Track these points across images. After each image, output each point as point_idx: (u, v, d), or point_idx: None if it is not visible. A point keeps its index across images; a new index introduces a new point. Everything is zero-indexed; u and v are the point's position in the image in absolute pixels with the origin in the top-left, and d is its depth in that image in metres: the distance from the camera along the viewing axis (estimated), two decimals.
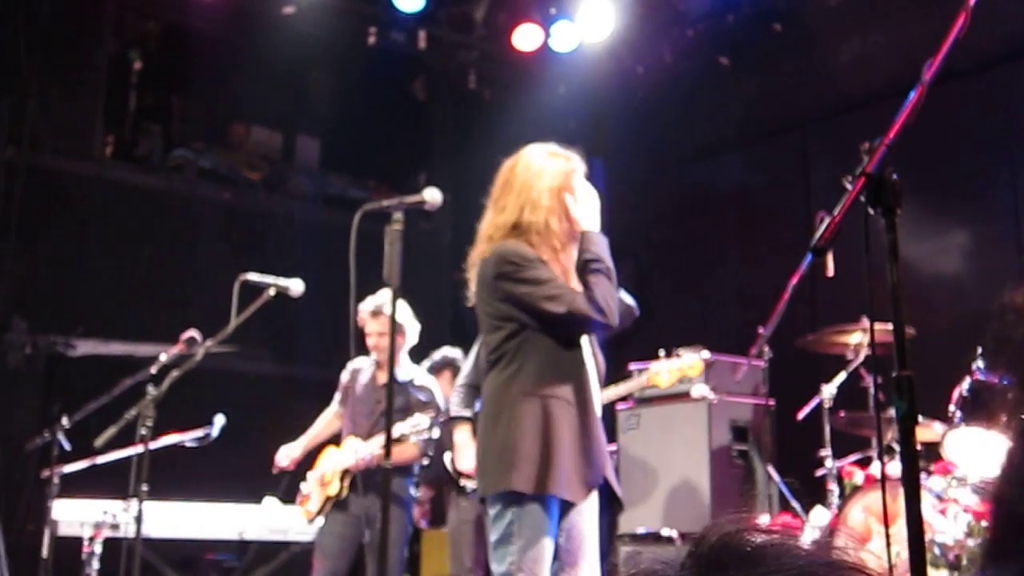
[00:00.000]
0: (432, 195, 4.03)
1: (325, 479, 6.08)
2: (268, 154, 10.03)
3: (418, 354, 6.25)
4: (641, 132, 9.34)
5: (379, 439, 5.81)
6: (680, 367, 5.18)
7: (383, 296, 5.95)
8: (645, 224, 9.33)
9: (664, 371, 5.18)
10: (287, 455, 6.24)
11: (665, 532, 6.38)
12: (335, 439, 6.28)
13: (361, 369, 6.25)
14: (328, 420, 6.38)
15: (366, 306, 5.99)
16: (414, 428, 5.76)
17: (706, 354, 6.03)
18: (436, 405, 6.08)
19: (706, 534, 0.92)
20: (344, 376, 6.33)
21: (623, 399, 6.37)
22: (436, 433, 5.97)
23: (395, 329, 4.04)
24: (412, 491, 6.15)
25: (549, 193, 3.95)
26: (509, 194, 3.98)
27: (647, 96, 9.32)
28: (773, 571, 0.84)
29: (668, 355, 5.29)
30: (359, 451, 5.90)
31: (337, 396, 6.36)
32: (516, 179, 3.99)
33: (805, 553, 0.87)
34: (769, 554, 0.87)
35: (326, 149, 10.35)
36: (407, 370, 6.13)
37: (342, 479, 6.01)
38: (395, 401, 5.99)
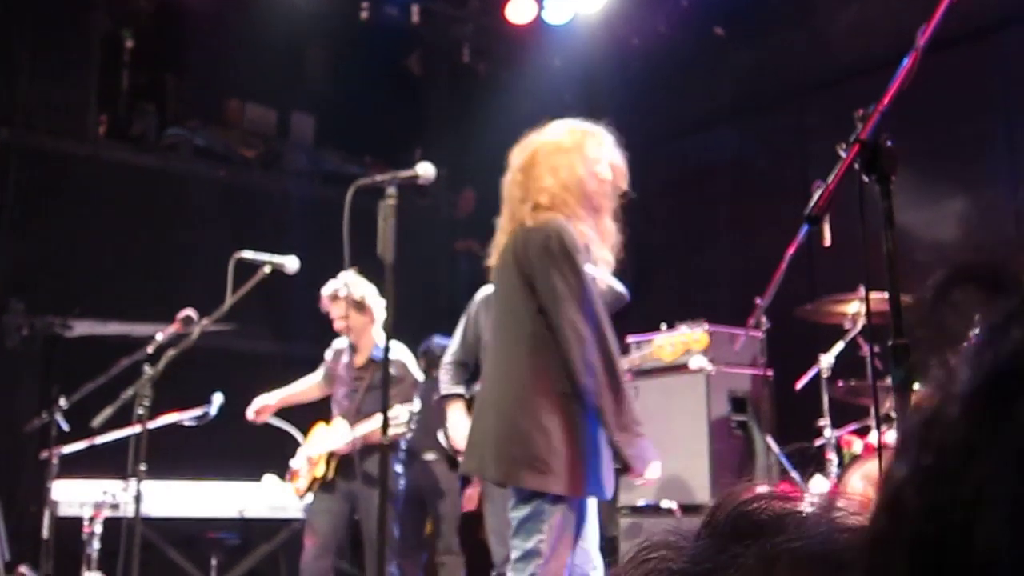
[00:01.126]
0: (426, 170, 4.01)
1: (313, 460, 6.12)
2: (263, 131, 10.00)
3: (417, 327, 6.24)
4: (637, 104, 9.29)
5: (364, 426, 5.85)
6: (686, 340, 5.15)
7: (341, 279, 5.98)
8: (641, 196, 9.27)
9: (668, 344, 5.15)
10: (261, 404, 6.27)
11: (664, 504, 6.39)
12: (325, 414, 6.31)
13: (343, 350, 6.28)
14: (308, 386, 6.43)
15: (325, 291, 6.04)
16: (393, 420, 5.76)
17: (704, 326, 6.03)
18: (412, 380, 6.10)
19: (722, 503, 0.90)
20: (328, 355, 6.38)
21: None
22: (417, 406, 5.99)
23: (388, 302, 4.01)
24: (398, 468, 6.17)
25: (583, 162, 3.96)
26: (543, 165, 4.01)
27: (642, 68, 9.27)
28: (794, 539, 0.83)
29: (671, 327, 5.27)
30: (345, 437, 5.94)
31: (321, 369, 6.41)
32: (550, 149, 4.06)
33: (826, 521, 0.85)
34: (789, 523, 0.85)
35: (321, 125, 10.32)
36: (379, 346, 6.13)
37: (328, 461, 6.06)
38: (372, 380, 6.02)
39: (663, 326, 5.32)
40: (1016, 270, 0.62)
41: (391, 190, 3.93)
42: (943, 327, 0.66)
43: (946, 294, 0.65)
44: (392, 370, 6.02)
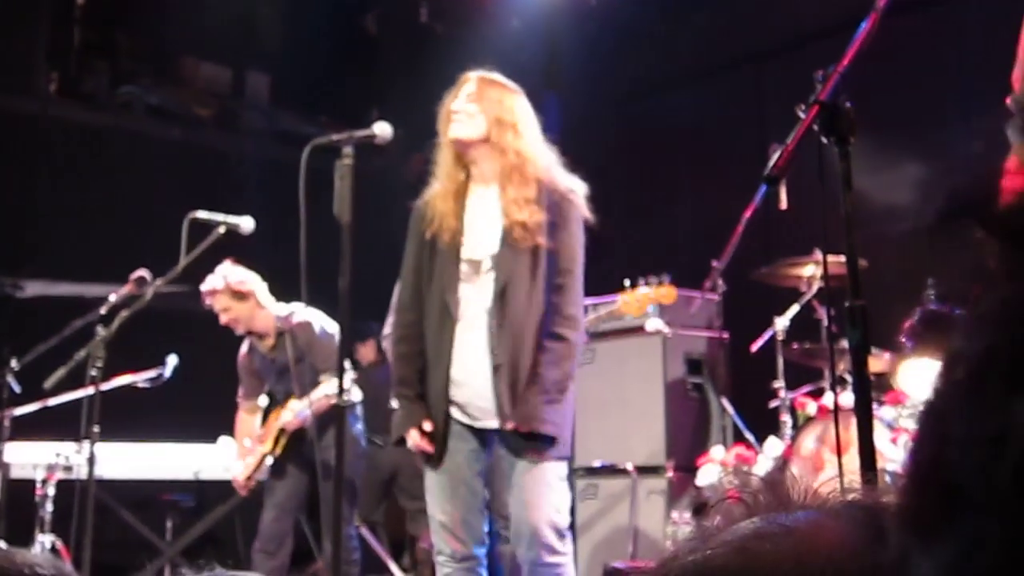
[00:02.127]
0: (382, 129, 3.97)
1: (263, 438, 6.13)
2: (217, 90, 9.88)
3: (374, 288, 6.17)
4: (595, 65, 9.26)
5: (308, 399, 5.79)
6: (655, 295, 5.15)
7: (217, 273, 5.94)
8: (599, 158, 9.29)
9: (634, 299, 5.15)
10: (241, 481, 6.23)
11: (621, 465, 6.43)
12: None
13: (249, 348, 6.23)
14: (243, 421, 6.37)
15: (203, 288, 5.99)
16: (325, 395, 5.73)
17: (667, 282, 6.04)
18: (315, 337, 5.98)
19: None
20: (240, 364, 6.30)
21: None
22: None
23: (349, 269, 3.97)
24: (358, 426, 6.14)
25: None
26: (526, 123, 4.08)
27: (601, 29, 9.23)
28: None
29: (634, 286, 5.25)
30: (295, 410, 5.91)
31: (240, 392, 6.34)
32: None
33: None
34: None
35: (276, 85, 10.21)
36: (279, 313, 6.06)
37: (277, 438, 6.04)
38: (287, 354, 5.94)
39: (626, 283, 5.31)
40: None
41: (348, 150, 3.89)
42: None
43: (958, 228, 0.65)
44: (302, 336, 5.96)
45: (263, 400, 6.37)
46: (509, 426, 3.88)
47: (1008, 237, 0.59)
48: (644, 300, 5.14)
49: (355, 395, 6.11)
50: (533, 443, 3.88)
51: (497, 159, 4.00)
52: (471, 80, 4.10)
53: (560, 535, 3.92)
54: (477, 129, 4.00)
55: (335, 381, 5.68)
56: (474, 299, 3.98)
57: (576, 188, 4.10)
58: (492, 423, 3.95)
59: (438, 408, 3.98)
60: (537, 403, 3.85)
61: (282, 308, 6.07)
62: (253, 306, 6.04)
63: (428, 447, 3.95)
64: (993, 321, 0.58)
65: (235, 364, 6.45)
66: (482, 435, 4.00)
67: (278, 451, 6.06)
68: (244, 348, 6.31)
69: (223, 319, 6.06)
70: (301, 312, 6.01)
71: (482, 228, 4.03)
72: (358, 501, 6.48)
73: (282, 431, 6.03)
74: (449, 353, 3.98)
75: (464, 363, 3.98)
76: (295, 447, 6.09)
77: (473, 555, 3.98)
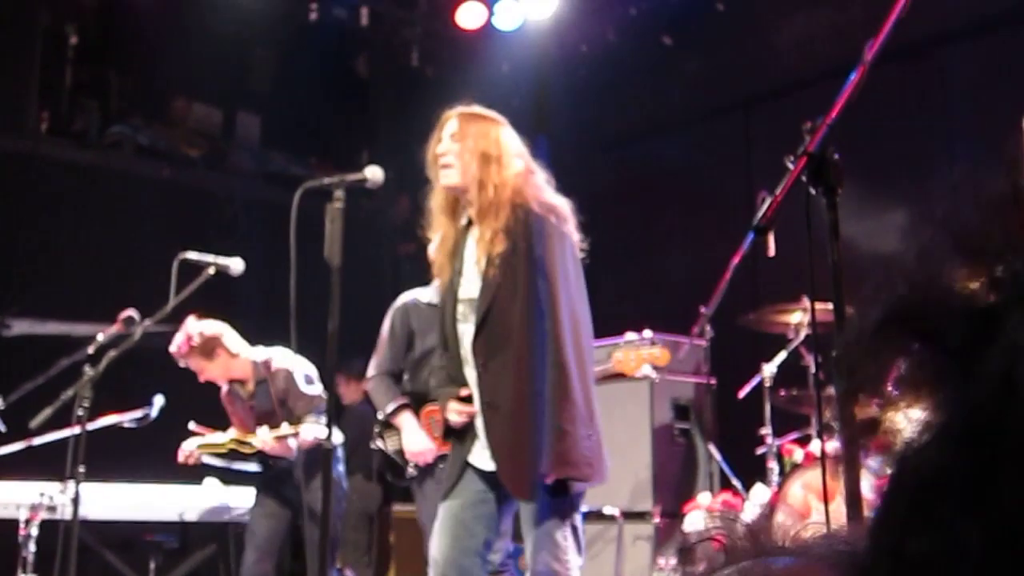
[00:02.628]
0: (374, 173, 3.98)
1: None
2: (208, 131, 9.91)
3: (361, 329, 6.16)
4: (584, 110, 9.33)
5: (277, 432, 5.78)
6: (650, 356, 5.15)
7: (177, 338, 5.94)
8: (588, 202, 9.30)
9: (629, 360, 5.15)
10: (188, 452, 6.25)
11: (607, 510, 6.41)
12: None
13: (229, 393, 6.21)
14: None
15: (172, 350, 5.99)
16: (315, 436, 5.71)
17: (648, 333, 6.06)
18: (292, 382, 5.97)
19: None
20: (224, 401, 6.29)
21: None
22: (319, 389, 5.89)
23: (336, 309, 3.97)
24: (340, 467, 6.11)
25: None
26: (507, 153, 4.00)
27: (590, 74, 9.31)
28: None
29: (630, 343, 5.26)
30: (264, 437, 5.88)
31: (233, 423, 6.35)
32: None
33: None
34: None
35: (267, 126, 10.25)
36: (255, 358, 6.04)
37: (246, 443, 6.04)
38: (264, 401, 5.94)
39: (628, 336, 5.30)
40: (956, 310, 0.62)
41: (339, 193, 3.90)
42: (869, 375, 0.66)
43: (881, 340, 0.65)
44: (281, 383, 5.94)
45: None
46: (505, 479, 3.79)
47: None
48: (639, 360, 5.14)
49: (337, 437, 6.09)
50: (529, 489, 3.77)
51: (478, 194, 3.91)
52: (452, 118, 4.05)
53: None
54: (467, 172, 3.93)
55: (316, 423, 5.72)
56: (467, 338, 3.94)
57: (557, 207, 3.97)
58: (491, 466, 3.87)
59: (459, 449, 3.96)
60: (526, 447, 3.73)
61: (259, 353, 6.03)
62: (224, 359, 6.00)
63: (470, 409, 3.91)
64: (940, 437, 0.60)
65: (222, 406, 6.44)
66: (491, 479, 3.89)
67: (245, 451, 6.03)
68: (223, 391, 6.27)
69: (200, 379, 6.05)
70: (280, 358, 5.98)
71: (471, 267, 3.98)
72: (339, 542, 6.46)
73: (247, 444, 6.00)
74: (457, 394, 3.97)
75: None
76: (276, 488, 6.06)
77: None
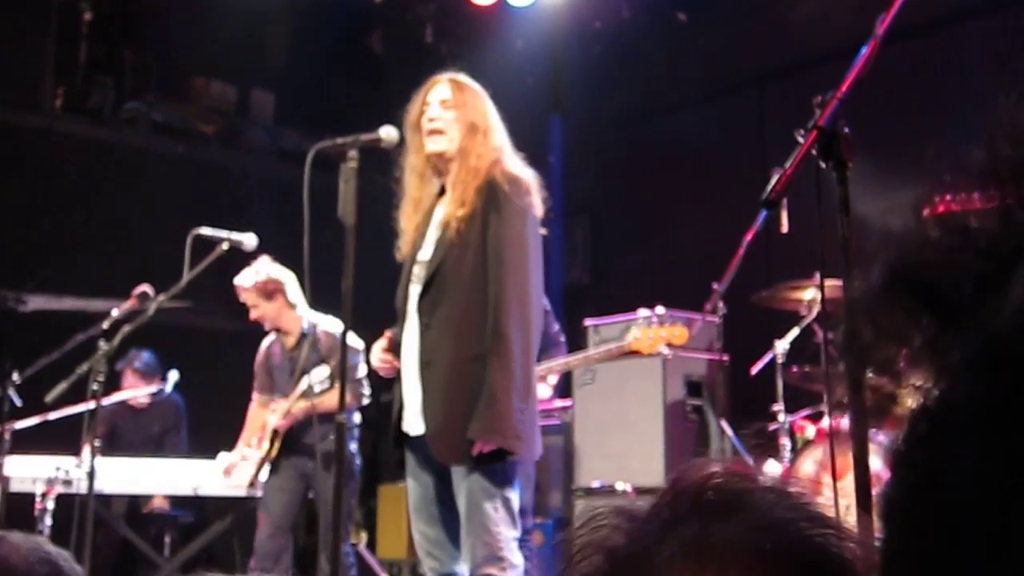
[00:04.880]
0: (388, 133, 3.97)
1: (259, 441, 6.16)
2: (222, 107, 9.92)
3: (375, 301, 6.19)
4: (598, 88, 9.31)
5: (293, 395, 5.87)
6: (667, 335, 5.11)
7: (252, 268, 5.99)
8: (602, 180, 9.34)
9: (646, 337, 5.11)
10: (228, 463, 6.28)
11: (619, 486, 6.43)
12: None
13: (271, 344, 6.29)
14: (254, 414, 6.39)
15: (236, 281, 6.06)
16: (318, 381, 5.79)
17: (661, 310, 6.06)
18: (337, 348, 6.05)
19: (678, 479, 0.89)
20: (258, 359, 6.36)
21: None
22: (363, 371, 5.93)
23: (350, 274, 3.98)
24: (352, 445, 6.15)
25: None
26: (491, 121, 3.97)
27: (605, 52, 9.28)
28: (747, 522, 0.83)
29: (647, 322, 5.22)
30: (279, 410, 5.96)
31: (255, 386, 6.38)
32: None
33: (784, 507, 0.85)
34: (749, 503, 0.85)
35: (281, 102, 10.25)
36: (307, 319, 6.13)
37: (272, 440, 6.07)
38: (306, 357, 6.01)
39: (641, 312, 5.29)
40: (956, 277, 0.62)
41: (352, 153, 3.90)
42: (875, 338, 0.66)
43: (885, 300, 0.65)
44: (326, 341, 6.03)
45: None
46: (432, 441, 3.74)
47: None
48: (656, 340, 5.08)
49: (355, 418, 6.15)
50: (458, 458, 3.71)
51: (460, 162, 3.88)
52: (443, 83, 4.01)
53: (500, 565, 3.67)
54: (455, 140, 3.90)
55: (335, 391, 5.76)
56: (413, 301, 3.90)
57: (519, 178, 3.87)
58: (420, 428, 3.80)
59: (395, 415, 3.91)
60: (456, 409, 3.68)
61: (313, 315, 6.10)
62: (281, 305, 6.12)
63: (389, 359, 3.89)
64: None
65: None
66: (424, 443, 3.83)
67: (274, 453, 6.09)
68: (265, 344, 6.36)
69: (251, 315, 6.13)
70: (330, 324, 6.08)
71: (433, 231, 3.96)
72: (352, 517, 6.50)
73: (275, 433, 6.07)
74: (399, 356, 3.92)
75: (405, 365, 3.89)
76: (291, 461, 6.10)
77: (451, 572, 3.83)
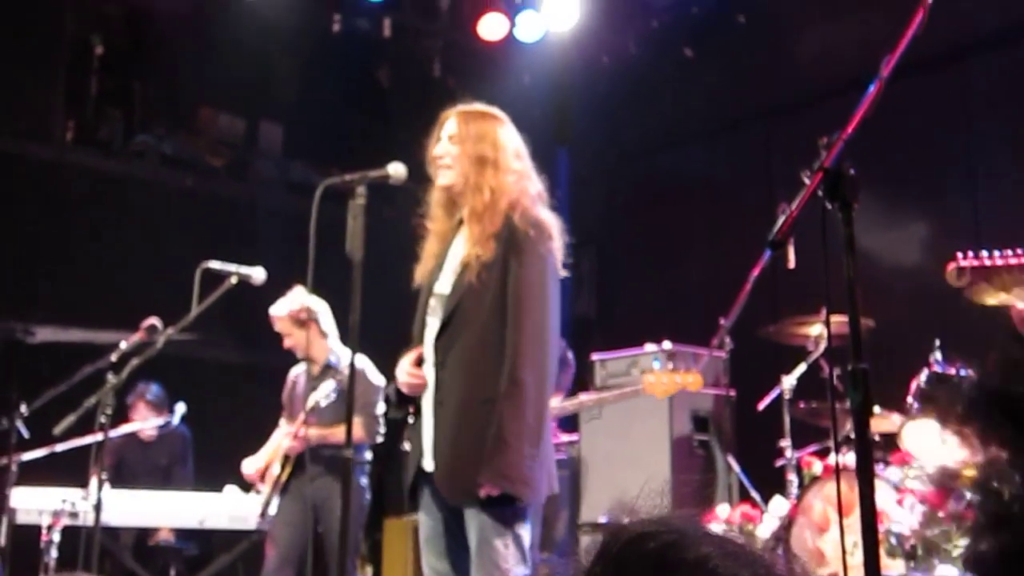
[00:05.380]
0: (396, 169, 3.99)
1: (258, 477, 6.17)
2: (231, 140, 9.97)
3: (382, 336, 6.22)
4: (605, 122, 9.35)
5: (301, 416, 5.88)
6: (681, 382, 5.10)
7: (288, 297, 6.02)
8: (608, 213, 9.36)
9: (660, 382, 5.09)
10: (252, 466, 6.27)
11: (625, 521, 6.40)
12: None
13: (299, 373, 6.32)
14: (275, 436, 6.40)
15: (271, 311, 6.10)
16: (324, 395, 5.81)
17: (667, 344, 6.06)
18: (372, 386, 6.07)
19: (612, 537, 0.90)
20: (286, 387, 6.39)
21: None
22: (381, 408, 5.96)
23: (358, 306, 3.99)
24: (363, 480, 6.16)
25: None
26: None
27: (612, 86, 9.33)
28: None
29: (635, 346, 5.22)
30: (289, 432, 5.98)
31: (283, 415, 6.40)
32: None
33: (725, 553, 0.86)
34: (689, 558, 0.85)
35: (289, 135, 10.29)
36: (336, 353, 6.16)
37: (283, 464, 6.07)
38: (327, 386, 6.03)
39: (648, 347, 5.29)
40: None
41: (361, 189, 3.93)
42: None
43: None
44: (347, 373, 6.03)
45: None
46: (439, 481, 3.74)
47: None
48: (671, 386, 5.06)
49: (366, 454, 6.17)
50: (468, 500, 3.70)
51: (473, 197, 3.88)
52: (451, 117, 4.05)
53: None
54: (461, 173, 3.92)
55: (357, 427, 5.80)
56: (429, 335, 3.91)
57: (542, 223, 3.85)
58: (431, 465, 3.80)
59: (414, 452, 3.90)
60: (462, 451, 3.68)
61: (340, 348, 6.12)
62: (313, 334, 6.13)
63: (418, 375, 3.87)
64: None
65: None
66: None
67: (284, 477, 6.08)
68: (293, 372, 6.42)
69: (284, 343, 6.14)
70: (358, 360, 6.11)
71: (451, 265, 3.95)
72: (359, 551, 6.49)
73: (287, 458, 6.07)
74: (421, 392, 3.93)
75: (423, 407, 3.90)
76: (300, 490, 6.08)
77: None
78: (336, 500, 5.57)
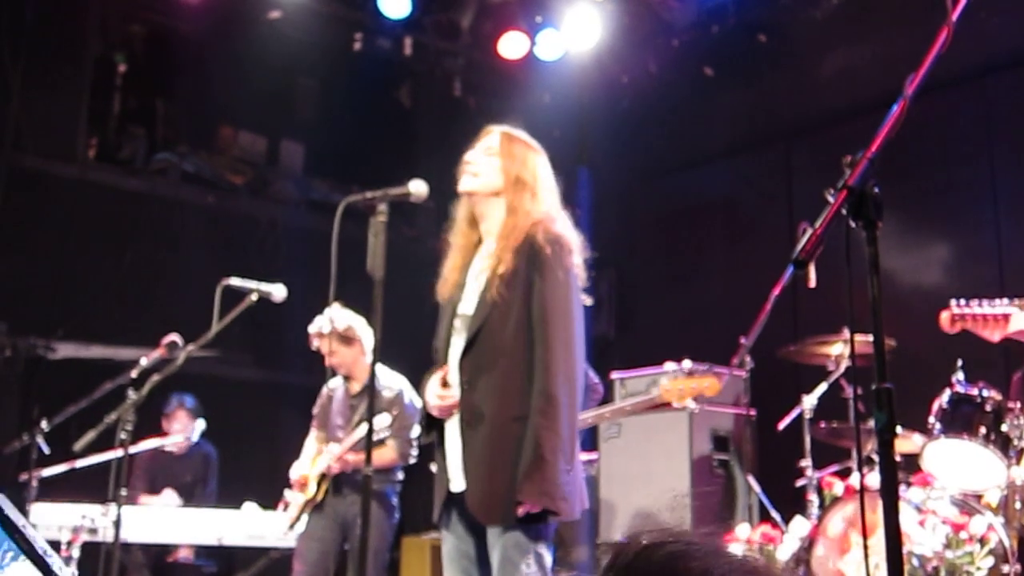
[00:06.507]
0: (417, 187, 4.00)
1: (303, 484, 6.11)
2: (252, 158, 10.01)
3: (403, 355, 6.24)
4: (626, 142, 9.35)
5: (348, 440, 5.88)
6: (697, 387, 5.06)
7: (327, 315, 6.01)
8: (628, 233, 9.35)
9: (677, 388, 5.05)
10: (298, 472, 6.23)
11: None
12: None
13: (335, 388, 6.30)
14: (309, 445, 6.38)
15: (312, 329, 6.08)
16: (380, 428, 5.79)
17: (688, 364, 6.04)
18: (400, 402, 6.09)
19: (624, 548, 0.90)
20: (320, 398, 6.38)
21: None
22: (416, 432, 5.96)
23: (378, 322, 4.00)
24: (394, 499, 6.15)
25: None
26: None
27: (632, 105, 9.34)
28: None
29: (654, 365, 5.19)
30: (332, 452, 5.95)
31: (314, 423, 6.38)
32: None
33: (728, 567, 0.86)
34: (683, 568, 0.85)
35: (310, 154, 10.34)
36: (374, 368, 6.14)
37: (319, 483, 6.04)
38: (360, 406, 6.03)
39: (669, 366, 5.24)
40: None
41: (382, 207, 3.94)
42: None
43: None
44: (385, 393, 6.05)
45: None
46: (472, 502, 3.72)
47: None
48: (687, 391, 5.03)
49: (399, 474, 6.16)
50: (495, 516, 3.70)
51: (505, 217, 3.89)
52: (493, 133, 4.07)
53: None
54: (490, 183, 3.93)
55: (391, 450, 5.81)
56: (454, 354, 3.89)
57: (563, 239, 3.85)
58: (460, 485, 3.79)
59: (441, 474, 3.89)
60: (498, 472, 3.66)
61: (379, 367, 6.12)
62: (357, 353, 6.14)
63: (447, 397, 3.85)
64: None
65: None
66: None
67: (320, 496, 6.05)
68: (330, 384, 6.37)
69: (328, 361, 6.11)
70: (392, 379, 6.12)
71: (474, 283, 3.95)
72: (385, 567, 6.47)
73: (323, 476, 6.04)
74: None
75: (448, 428, 3.89)
76: (333, 508, 6.06)
77: None
78: (367, 518, 5.58)
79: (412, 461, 6.14)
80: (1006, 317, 4.43)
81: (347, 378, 6.23)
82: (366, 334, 6.12)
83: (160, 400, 7.29)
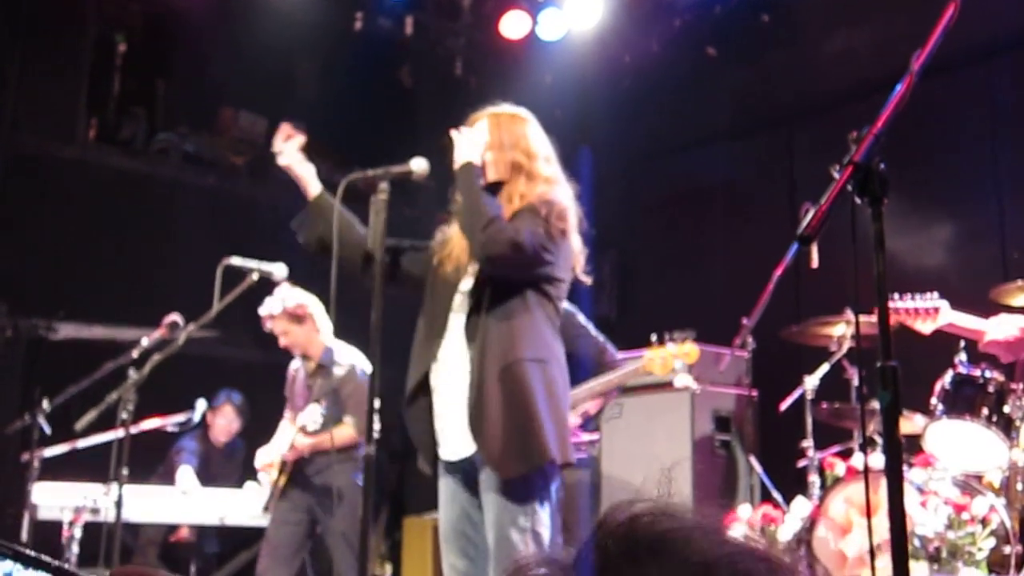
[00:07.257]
0: (419, 165, 3.98)
1: (267, 467, 6.15)
2: (253, 139, 9.98)
3: (400, 334, 6.21)
4: (628, 122, 9.32)
5: (295, 428, 5.88)
6: (677, 352, 5.06)
7: (276, 295, 5.98)
8: (630, 214, 9.33)
9: (658, 357, 5.06)
10: (265, 458, 6.25)
11: None
12: None
13: (298, 368, 6.28)
14: (281, 431, 6.38)
15: (262, 311, 6.05)
16: (311, 420, 5.76)
17: (691, 339, 6.01)
18: (354, 377, 6.03)
19: (606, 520, 0.88)
20: (287, 383, 6.36)
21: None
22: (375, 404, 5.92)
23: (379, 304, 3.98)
24: (358, 480, 6.12)
25: None
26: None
27: (634, 85, 9.30)
28: (678, 562, 0.82)
29: (660, 342, 5.16)
30: (289, 441, 5.96)
31: (287, 409, 6.37)
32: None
33: (713, 543, 0.84)
34: (678, 543, 0.84)
35: (311, 134, 10.28)
36: (328, 346, 6.12)
37: (280, 469, 6.05)
38: (321, 385, 6.00)
39: (652, 338, 5.25)
40: None
41: (383, 185, 3.93)
42: None
43: None
44: (338, 372, 6.00)
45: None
46: (489, 455, 3.74)
47: None
48: (668, 359, 5.04)
49: (360, 452, 6.15)
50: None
51: (505, 204, 3.91)
52: (482, 120, 4.05)
53: None
54: (488, 176, 3.96)
55: (349, 427, 5.78)
56: (455, 327, 3.91)
57: (554, 202, 3.89)
58: (468, 449, 3.81)
59: (427, 446, 3.92)
60: (513, 432, 3.70)
61: (334, 343, 6.10)
62: (310, 330, 6.11)
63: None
64: None
65: (263, 410, 6.49)
66: (461, 466, 3.86)
67: (282, 483, 6.05)
68: (292, 366, 6.37)
69: (281, 342, 6.10)
70: (348, 353, 6.08)
71: (475, 266, 3.96)
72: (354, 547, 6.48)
73: (284, 463, 6.05)
74: (428, 385, 3.93)
75: (442, 388, 3.89)
76: (296, 493, 6.06)
77: None
78: (331, 500, 5.61)
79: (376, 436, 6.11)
80: (936, 310, 4.58)
81: (305, 357, 6.21)
82: (318, 311, 6.10)
83: (161, 380, 7.29)
